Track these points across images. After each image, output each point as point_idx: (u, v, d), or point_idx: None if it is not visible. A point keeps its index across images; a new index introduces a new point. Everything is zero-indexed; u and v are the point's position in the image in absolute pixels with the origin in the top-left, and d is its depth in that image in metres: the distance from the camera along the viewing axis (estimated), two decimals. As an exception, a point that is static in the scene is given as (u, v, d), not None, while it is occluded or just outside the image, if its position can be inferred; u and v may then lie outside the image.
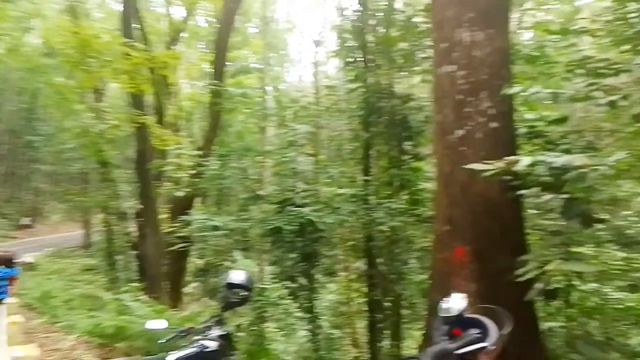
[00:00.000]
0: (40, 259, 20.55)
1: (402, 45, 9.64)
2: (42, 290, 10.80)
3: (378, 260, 9.62)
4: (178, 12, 21.52)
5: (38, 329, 8.09)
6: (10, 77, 33.46)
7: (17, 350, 3.77)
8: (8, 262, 8.23)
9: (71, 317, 8.38)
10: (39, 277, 14.23)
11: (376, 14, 10.23)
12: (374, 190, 9.81)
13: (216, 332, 3.26)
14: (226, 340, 3.27)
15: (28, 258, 17.51)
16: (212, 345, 3.16)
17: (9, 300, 7.14)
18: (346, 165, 11.73)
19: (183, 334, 3.32)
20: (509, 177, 4.17)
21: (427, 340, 5.02)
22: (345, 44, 10.86)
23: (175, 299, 14.27)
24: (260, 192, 10.38)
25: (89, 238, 29.49)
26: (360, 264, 10.88)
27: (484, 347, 3.01)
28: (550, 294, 4.63)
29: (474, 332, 3.11)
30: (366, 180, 10.00)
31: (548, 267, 3.72)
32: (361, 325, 12.69)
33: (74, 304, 9.94)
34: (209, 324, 3.34)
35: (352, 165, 11.36)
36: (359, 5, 10.36)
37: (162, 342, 3.45)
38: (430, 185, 8.71)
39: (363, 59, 10.42)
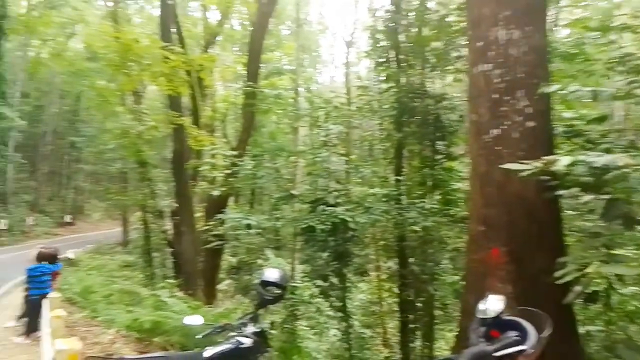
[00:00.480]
0: (81, 255, 21.23)
1: (435, 44, 9.57)
2: (83, 286, 11.15)
3: (410, 260, 9.58)
4: (214, 16, 21.92)
5: (79, 322, 8.37)
6: (55, 81, 34.85)
7: (60, 343, 3.91)
8: (51, 258, 8.57)
9: (110, 311, 8.63)
10: (80, 272, 14.69)
11: (409, 14, 10.19)
12: (407, 190, 9.78)
13: (251, 328, 3.28)
14: (261, 337, 3.30)
15: (70, 254, 18.11)
16: (247, 341, 3.18)
17: (52, 294, 7.42)
18: (378, 165, 11.72)
19: (219, 330, 3.36)
20: (546, 178, 4.09)
21: (460, 341, 4.97)
22: (378, 44, 10.86)
23: (210, 296, 14.53)
24: (293, 192, 10.48)
25: (127, 235, 30.33)
26: (392, 264, 10.85)
27: (522, 350, 2.96)
28: (589, 297, 4.52)
29: (512, 334, 3.06)
30: (398, 180, 9.97)
31: (588, 270, 3.63)
32: (392, 325, 12.66)
33: (113, 299, 10.23)
34: (244, 320, 3.38)
35: (384, 165, 11.35)
36: (392, 6, 10.34)
37: (198, 338, 3.54)
38: (463, 185, 8.63)
39: (395, 59, 10.40)
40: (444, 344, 10.02)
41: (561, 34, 9.41)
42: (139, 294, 10.87)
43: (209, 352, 3.14)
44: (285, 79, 22.59)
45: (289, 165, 12.41)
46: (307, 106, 14.49)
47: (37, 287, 7.97)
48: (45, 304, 7.23)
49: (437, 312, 9.62)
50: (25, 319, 8.04)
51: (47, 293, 7.64)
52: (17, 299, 9.75)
